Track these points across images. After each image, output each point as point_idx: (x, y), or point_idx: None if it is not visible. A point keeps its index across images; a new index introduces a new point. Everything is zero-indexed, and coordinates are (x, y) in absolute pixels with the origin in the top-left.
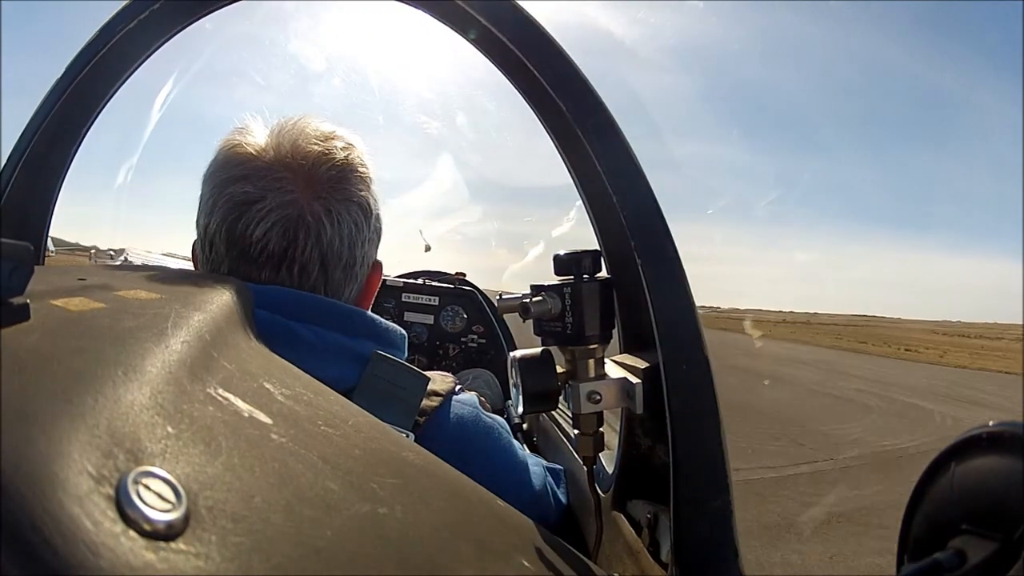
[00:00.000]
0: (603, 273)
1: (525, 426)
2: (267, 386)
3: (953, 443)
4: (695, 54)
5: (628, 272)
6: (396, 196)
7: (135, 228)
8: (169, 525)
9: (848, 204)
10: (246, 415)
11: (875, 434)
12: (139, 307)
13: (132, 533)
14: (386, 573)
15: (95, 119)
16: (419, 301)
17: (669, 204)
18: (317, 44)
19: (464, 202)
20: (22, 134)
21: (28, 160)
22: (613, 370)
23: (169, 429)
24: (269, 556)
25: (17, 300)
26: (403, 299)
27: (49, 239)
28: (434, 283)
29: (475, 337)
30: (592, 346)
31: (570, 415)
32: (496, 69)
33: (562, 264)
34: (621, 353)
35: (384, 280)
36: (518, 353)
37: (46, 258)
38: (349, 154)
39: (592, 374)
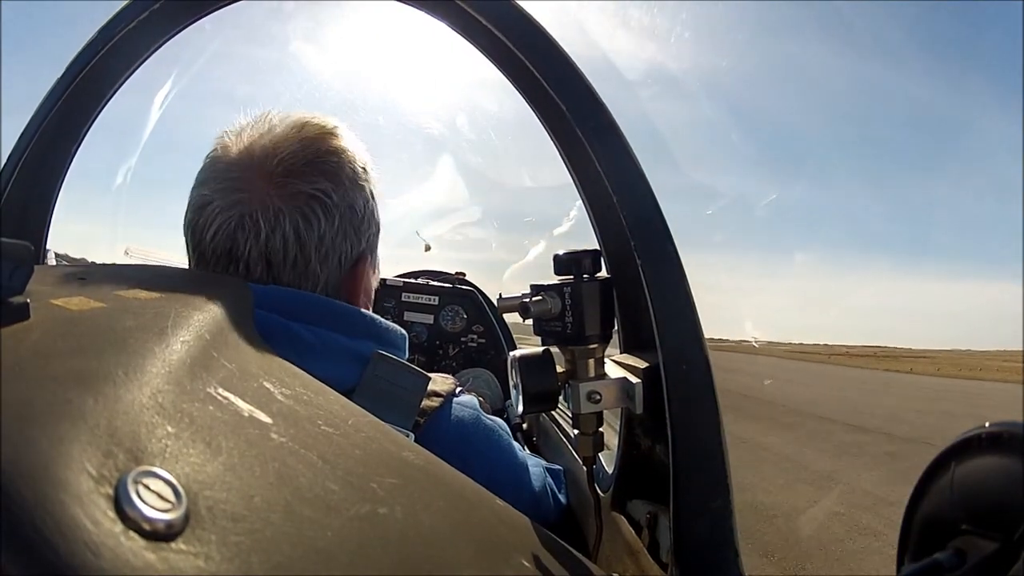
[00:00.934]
0: (603, 273)
1: (525, 426)
2: (267, 386)
3: (953, 443)
4: (678, 81)
5: (628, 272)
6: (396, 196)
7: (135, 228)
8: (169, 525)
9: (847, 229)
10: (246, 415)
11: None
12: (139, 306)
13: (132, 533)
14: (386, 573)
15: (95, 119)
16: (419, 301)
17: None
18: (318, 44)
19: (464, 202)
20: (22, 134)
21: (28, 160)
22: (613, 370)
23: (169, 429)
24: (269, 556)
25: (17, 299)
26: (403, 299)
27: (55, 255)
28: (434, 283)
29: (475, 337)
30: (592, 346)
31: (570, 415)
32: (497, 70)
33: (562, 264)
34: (621, 353)
35: (384, 280)
36: (518, 353)
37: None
38: (315, 145)
39: (592, 374)
